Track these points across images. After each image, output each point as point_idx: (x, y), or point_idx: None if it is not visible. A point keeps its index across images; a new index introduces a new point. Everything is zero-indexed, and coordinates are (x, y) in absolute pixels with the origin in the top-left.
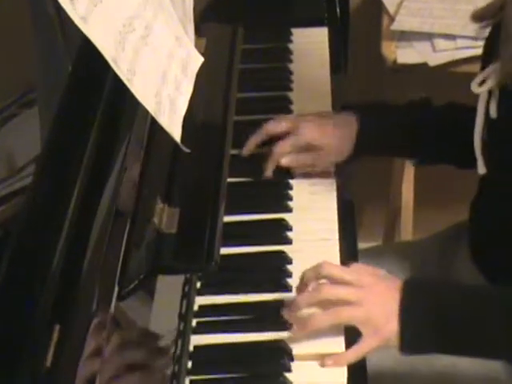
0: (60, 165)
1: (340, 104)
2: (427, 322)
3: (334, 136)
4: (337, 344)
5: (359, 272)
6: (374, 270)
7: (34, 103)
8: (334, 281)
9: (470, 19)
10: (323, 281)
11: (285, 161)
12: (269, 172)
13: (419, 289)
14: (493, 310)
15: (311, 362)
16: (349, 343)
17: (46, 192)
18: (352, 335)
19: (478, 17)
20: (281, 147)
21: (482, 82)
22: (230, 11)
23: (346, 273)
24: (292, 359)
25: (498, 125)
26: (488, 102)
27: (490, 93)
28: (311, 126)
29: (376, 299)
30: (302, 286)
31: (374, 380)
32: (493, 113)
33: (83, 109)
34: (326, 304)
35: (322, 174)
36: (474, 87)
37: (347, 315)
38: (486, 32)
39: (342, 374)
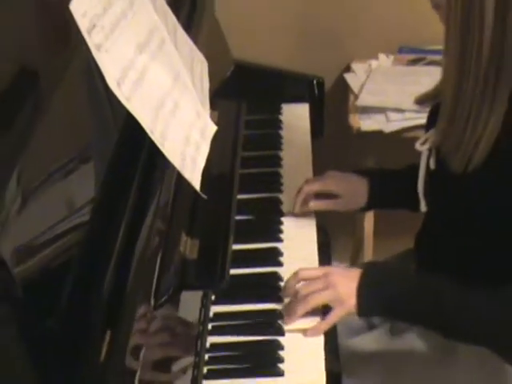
0: (110, 205)
1: (317, 160)
2: (378, 295)
3: (351, 188)
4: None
5: (327, 268)
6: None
7: (90, 159)
8: (309, 279)
9: (414, 102)
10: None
11: (314, 204)
12: (297, 208)
13: (375, 272)
14: (429, 294)
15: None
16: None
17: (99, 226)
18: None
19: (420, 101)
20: (310, 187)
21: (424, 142)
22: (237, 90)
23: (315, 271)
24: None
25: (436, 174)
26: (428, 157)
27: (430, 150)
28: (336, 178)
29: (340, 281)
30: (287, 291)
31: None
32: (432, 165)
33: (127, 164)
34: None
35: (306, 214)
36: (418, 146)
37: (321, 298)
38: (427, 107)
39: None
